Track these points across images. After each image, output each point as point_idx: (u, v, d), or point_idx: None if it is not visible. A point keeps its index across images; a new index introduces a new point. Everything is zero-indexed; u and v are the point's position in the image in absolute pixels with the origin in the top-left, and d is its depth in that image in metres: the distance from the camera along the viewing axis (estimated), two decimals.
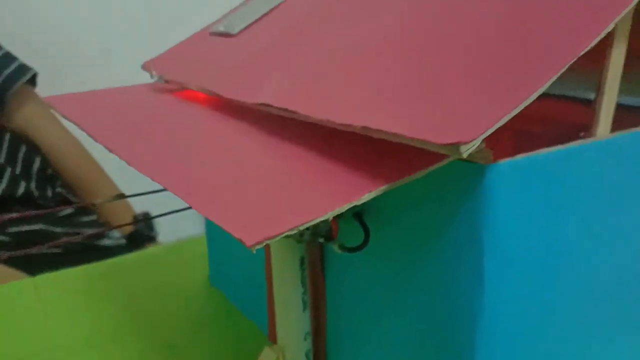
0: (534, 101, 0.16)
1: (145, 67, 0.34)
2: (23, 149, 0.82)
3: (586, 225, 0.21)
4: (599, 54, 0.20)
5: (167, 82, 0.32)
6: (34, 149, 0.82)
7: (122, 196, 0.47)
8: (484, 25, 0.20)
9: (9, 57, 0.80)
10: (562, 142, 0.20)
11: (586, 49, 0.16)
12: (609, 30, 0.17)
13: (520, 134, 0.30)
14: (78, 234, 0.82)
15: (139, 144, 0.24)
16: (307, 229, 0.22)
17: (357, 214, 0.23)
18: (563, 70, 0.16)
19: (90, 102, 0.31)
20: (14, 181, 0.79)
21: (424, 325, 0.22)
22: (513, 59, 0.18)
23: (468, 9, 0.21)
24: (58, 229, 0.81)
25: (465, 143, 0.13)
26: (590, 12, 0.18)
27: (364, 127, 0.16)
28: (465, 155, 0.14)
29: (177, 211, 0.42)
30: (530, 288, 0.20)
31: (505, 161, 0.17)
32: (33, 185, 0.81)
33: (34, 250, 0.45)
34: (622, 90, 0.21)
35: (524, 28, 0.19)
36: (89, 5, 1.06)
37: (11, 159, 0.81)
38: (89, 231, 0.83)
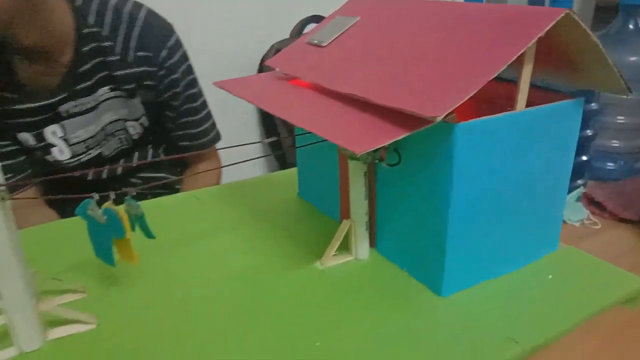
0: (484, 86, 0.36)
1: (268, 63, 0.56)
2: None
3: (507, 160, 0.42)
4: (519, 60, 0.40)
5: (285, 74, 0.53)
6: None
7: None
8: (455, 48, 0.40)
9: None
10: (497, 112, 0.40)
11: (510, 61, 0.37)
12: (524, 50, 0.37)
13: (479, 107, 0.50)
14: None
15: (280, 105, 0.46)
16: (374, 151, 0.43)
17: (394, 147, 0.44)
18: (496, 74, 0.36)
19: (244, 83, 0.53)
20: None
21: (422, 210, 0.43)
22: (469, 64, 0.38)
23: (450, 37, 0.41)
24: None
25: (439, 116, 0.34)
26: (516, 37, 0.38)
27: (397, 107, 0.37)
28: (438, 120, 0.35)
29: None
30: (475, 191, 0.41)
31: (462, 122, 0.38)
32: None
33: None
34: (537, 79, 0.42)
35: (476, 45, 0.39)
36: None
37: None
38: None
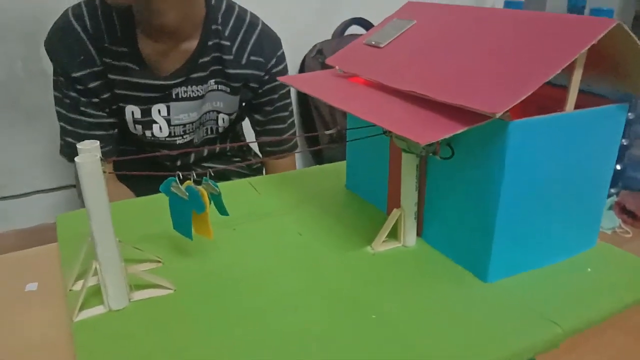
0: (537, 89, 0.39)
1: (329, 62, 0.60)
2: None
3: (555, 158, 0.45)
4: (571, 66, 0.43)
5: (344, 72, 0.57)
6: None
7: None
8: (510, 52, 0.43)
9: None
10: (544, 113, 0.43)
11: (565, 65, 0.40)
12: (576, 57, 0.40)
13: (526, 108, 0.53)
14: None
15: (341, 98, 0.49)
16: (429, 145, 0.47)
17: (448, 142, 0.47)
18: (552, 76, 0.39)
19: (306, 79, 0.57)
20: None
21: (471, 202, 0.46)
22: (526, 66, 0.41)
23: (507, 43, 0.44)
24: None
25: (498, 112, 0.38)
26: (570, 44, 0.41)
27: (457, 104, 0.40)
28: (497, 117, 0.38)
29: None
30: (524, 186, 0.44)
31: (516, 120, 0.41)
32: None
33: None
34: (583, 83, 0.44)
35: (531, 49, 0.42)
36: None
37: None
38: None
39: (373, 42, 0.58)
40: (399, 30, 0.57)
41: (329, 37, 1.49)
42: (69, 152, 0.90)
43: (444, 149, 0.48)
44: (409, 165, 0.51)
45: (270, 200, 0.64)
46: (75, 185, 0.93)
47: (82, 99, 0.86)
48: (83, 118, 0.87)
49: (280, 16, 1.42)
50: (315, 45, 1.45)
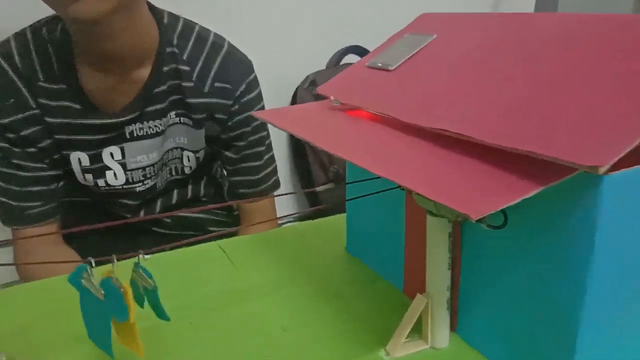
0: None
1: (321, 91, 0.45)
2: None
3: None
4: None
5: (341, 103, 0.42)
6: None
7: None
8: (587, 73, 0.28)
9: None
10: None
11: None
12: None
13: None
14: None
15: (339, 141, 0.34)
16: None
17: None
18: None
19: (288, 114, 0.42)
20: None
21: (536, 288, 0.31)
22: (620, 95, 0.26)
23: (590, 70, 0.30)
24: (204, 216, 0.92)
25: (603, 166, 0.22)
26: None
27: (529, 151, 0.25)
28: (602, 172, 0.23)
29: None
30: (622, 266, 0.29)
31: (612, 173, 0.26)
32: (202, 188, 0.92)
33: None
34: None
35: (621, 70, 0.27)
36: None
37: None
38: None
39: (379, 64, 0.43)
40: (414, 48, 0.42)
41: (323, 67, 1.36)
42: (4, 216, 0.75)
43: (494, 213, 0.32)
44: (437, 235, 0.35)
45: (245, 274, 0.48)
46: (14, 258, 0.77)
47: (15, 149, 0.72)
48: (18, 172, 0.72)
49: (270, 45, 1.30)
50: (307, 76, 1.32)
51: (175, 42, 0.75)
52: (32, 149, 0.72)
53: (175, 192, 0.88)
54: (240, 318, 0.41)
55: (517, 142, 0.27)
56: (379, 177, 0.38)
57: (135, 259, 0.31)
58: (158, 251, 0.41)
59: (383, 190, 0.40)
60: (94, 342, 0.32)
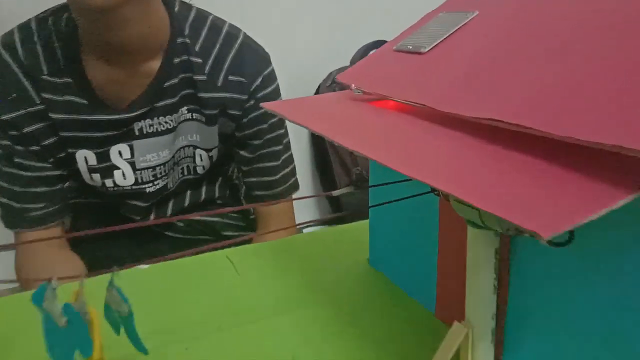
0: None
1: (341, 79, 0.39)
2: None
3: None
4: None
5: (364, 92, 0.36)
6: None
7: None
8: None
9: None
10: None
11: None
12: None
13: None
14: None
15: (363, 137, 0.28)
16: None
17: None
18: None
19: (303, 105, 0.36)
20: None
21: (609, 324, 0.24)
22: None
23: None
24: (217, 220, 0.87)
25: None
26: None
27: (615, 145, 0.19)
28: None
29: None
30: None
31: None
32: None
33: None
34: None
35: None
36: None
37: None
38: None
39: (409, 47, 0.37)
40: (451, 27, 0.36)
41: (347, 64, 1.30)
42: (6, 218, 0.71)
43: None
44: (481, 251, 0.29)
45: (252, 290, 0.42)
46: (15, 262, 0.73)
47: (18, 147, 0.67)
48: (21, 172, 0.68)
49: (290, 40, 1.24)
50: (330, 73, 1.26)
51: (186, 32, 0.70)
52: (36, 147, 0.68)
53: (188, 193, 0.83)
54: (244, 343, 0.35)
55: (595, 133, 0.20)
56: (408, 179, 0.32)
57: (109, 275, 0.25)
58: (164, 259, 0.36)
59: (412, 196, 0.34)
60: None
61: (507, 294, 0.30)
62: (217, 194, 0.86)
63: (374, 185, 0.38)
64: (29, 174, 0.68)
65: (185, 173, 0.79)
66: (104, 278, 0.26)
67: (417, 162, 0.26)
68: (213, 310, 0.39)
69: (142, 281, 0.43)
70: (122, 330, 0.28)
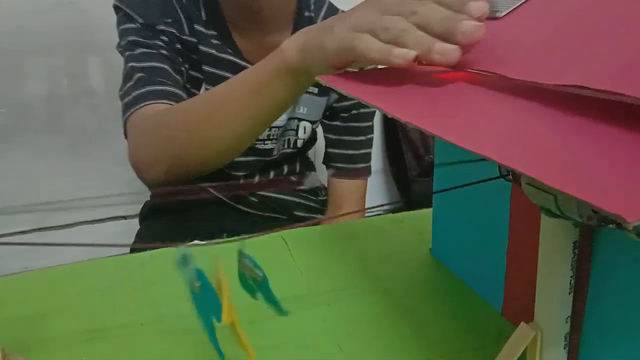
0: None
1: None
2: None
3: None
4: None
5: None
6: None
7: None
8: None
9: None
10: None
11: None
12: None
13: None
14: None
15: (432, 113, 0.25)
16: (596, 212, 0.21)
17: None
18: None
19: (363, 78, 0.34)
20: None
21: None
22: None
23: None
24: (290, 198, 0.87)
25: None
26: None
27: None
28: None
29: None
30: None
31: None
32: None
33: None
34: None
35: None
36: None
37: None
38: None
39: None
40: None
41: None
42: (136, 93, 0.64)
43: None
44: (556, 243, 0.25)
45: (304, 274, 0.40)
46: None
47: (166, 53, 0.66)
48: (165, 67, 0.65)
49: None
50: None
51: (312, 7, 0.74)
52: (180, 67, 0.68)
53: (285, 167, 0.84)
54: (290, 329, 0.34)
55: None
56: (476, 160, 0.28)
57: (238, 245, 0.25)
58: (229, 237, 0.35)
59: (480, 182, 0.31)
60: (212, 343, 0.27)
61: (587, 295, 0.26)
62: (297, 169, 0.86)
63: (440, 165, 0.35)
64: (163, 56, 0.66)
65: (287, 146, 0.80)
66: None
67: (485, 137, 0.22)
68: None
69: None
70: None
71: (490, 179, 0.30)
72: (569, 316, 0.26)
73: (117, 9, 0.70)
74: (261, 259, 0.43)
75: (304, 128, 0.79)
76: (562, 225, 0.25)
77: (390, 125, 1.25)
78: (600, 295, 0.26)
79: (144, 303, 0.37)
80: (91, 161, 1.13)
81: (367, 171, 0.84)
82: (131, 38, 0.67)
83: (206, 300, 0.25)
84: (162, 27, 0.67)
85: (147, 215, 0.83)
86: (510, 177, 0.30)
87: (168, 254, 0.26)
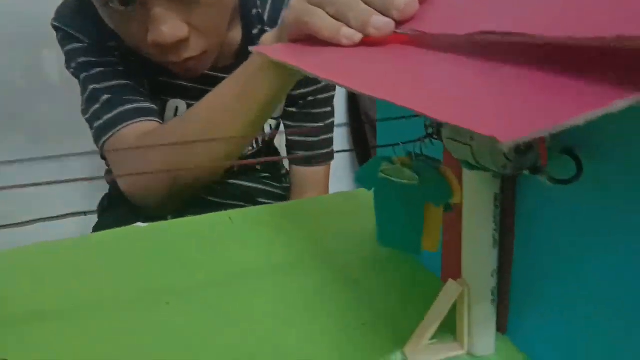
0: None
1: None
2: None
3: None
4: None
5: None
6: None
7: None
8: None
9: None
10: None
11: None
12: None
13: None
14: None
15: (353, 70, 0.25)
16: (524, 152, 0.21)
17: (567, 148, 0.21)
18: None
19: (301, 47, 0.33)
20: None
21: (635, 278, 0.20)
22: None
23: None
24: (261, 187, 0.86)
25: None
26: None
27: (619, 37, 0.15)
28: None
29: None
30: None
31: None
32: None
33: None
34: None
35: None
36: None
37: None
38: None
39: None
40: None
41: None
42: (105, 119, 0.62)
43: (559, 159, 0.22)
44: (476, 196, 0.25)
45: (245, 252, 0.40)
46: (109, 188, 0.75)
47: (123, 69, 0.64)
48: (127, 82, 0.64)
49: None
50: None
51: (258, 3, 0.71)
52: (139, 72, 0.66)
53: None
54: (230, 302, 0.33)
55: (593, 32, 0.16)
56: (410, 117, 0.28)
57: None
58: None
59: (410, 141, 0.30)
60: (390, 245, 0.31)
61: (512, 248, 0.26)
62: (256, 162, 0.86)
63: (381, 120, 0.35)
64: (122, 73, 0.64)
65: (255, 146, 0.80)
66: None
67: (405, 90, 0.22)
68: (205, 269, 0.37)
69: (139, 239, 0.42)
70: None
71: (419, 139, 0.30)
72: (494, 270, 0.26)
73: (56, 29, 0.67)
74: (206, 237, 0.42)
75: (270, 126, 0.78)
76: (482, 177, 0.25)
77: (354, 107, 1.25)
78: (527, 247, 0.26)
79: (94, 286, 0.36)
80: (50, 157, 1.11)
81: (328, 157, 0.83)
82: (82, 59, 0.65)
83: (427, 187, 0.27)
84: (112, 44, 0.64)
85: (107, 207, 0.82)
86: (438, 132, 0.30)
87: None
